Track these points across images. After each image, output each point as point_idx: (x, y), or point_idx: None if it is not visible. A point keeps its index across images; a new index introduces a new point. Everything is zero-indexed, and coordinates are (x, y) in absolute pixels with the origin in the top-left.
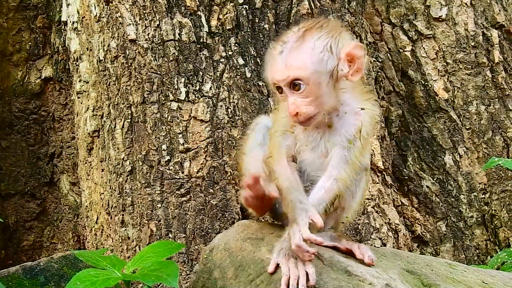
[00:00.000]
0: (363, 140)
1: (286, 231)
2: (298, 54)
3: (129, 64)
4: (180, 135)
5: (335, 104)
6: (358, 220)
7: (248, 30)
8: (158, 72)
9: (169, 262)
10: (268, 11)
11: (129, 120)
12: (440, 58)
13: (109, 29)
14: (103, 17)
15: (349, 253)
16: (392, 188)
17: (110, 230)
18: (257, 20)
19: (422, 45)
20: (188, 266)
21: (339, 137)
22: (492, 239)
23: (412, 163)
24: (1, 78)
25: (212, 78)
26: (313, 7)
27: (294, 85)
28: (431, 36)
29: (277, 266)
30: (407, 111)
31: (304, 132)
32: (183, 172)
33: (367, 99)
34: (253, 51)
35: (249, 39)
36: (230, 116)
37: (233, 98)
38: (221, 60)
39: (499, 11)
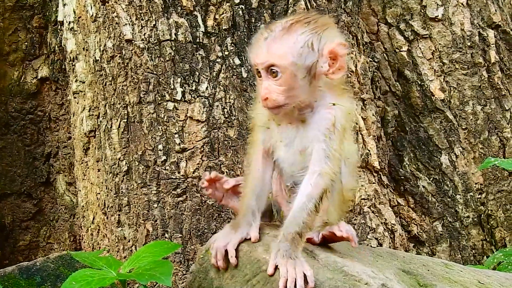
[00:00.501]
0: (337, 134)
1: (281, 231)
2: (280, 44)
3: (125, 64)
4: (176, 135)
5: (309, 99)
6: (354, 220)
7: (245, 30)
8: (154, 72)
9: (164, 261)
10: (265, 11)
11: (125, 120)
12: (436, 58)
13: (105, 29)
14: (99, 17)
15: (333, 237)
16: (388, 188)
17: (107, 230)
18: (253, 20)
19: (418, 45)
20: (184, 266)
21: (313, 132)
22: (488, 239)
23: (408, 163)
24: None
25: (209, 78)
26: (309, 7)
27: (271, 71)
28: (427, 36)
29: (276, 267)
30: (403, 111)
31: (278, 128)
32: (179, 172)
33: (340, 94)
34: None
35: (246, 39)
36: (227, 116)
37: (229, 98)
38: (217, 60)
39: (495, 11)
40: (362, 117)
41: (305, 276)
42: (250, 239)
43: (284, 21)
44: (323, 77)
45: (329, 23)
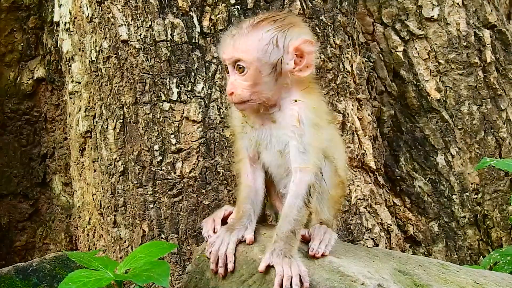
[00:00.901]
0: (307, 128)
1: (275, 232)
2: (245, 40)
3: (121, 65)
4: (172, 136)
5: (274, 96)
6: (350, 220)
7: None
8: (150, 73)
9: (161, 262)
10: (260, 12)
11: (121, 121)
12: (432, 58)
13: (101, 30)
14: (95, 18)
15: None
16: (384, 188)
17: (103, 230)
18: None
19: (414, 45)
20: (180, 267)
21: (283, 131)
22: (484, 239)
23: (404, 163)
24: None
25: (204, 78)
26: (304, 7)
27: (238, 66)
28: (423, 36)
29: (269, 266)
30: (399, 111)
31: (253, 130)
32: (175, 173)
33: (306, 90)
34: None
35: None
36: (222, 116)
37: (225, 98)
38: (213, 60)
39: (491, 11)
40: (358, 117)
41: (300, 275)
42: (245, 241)
43: (253, 19)
44: (290, 75)
45: (297, 21)
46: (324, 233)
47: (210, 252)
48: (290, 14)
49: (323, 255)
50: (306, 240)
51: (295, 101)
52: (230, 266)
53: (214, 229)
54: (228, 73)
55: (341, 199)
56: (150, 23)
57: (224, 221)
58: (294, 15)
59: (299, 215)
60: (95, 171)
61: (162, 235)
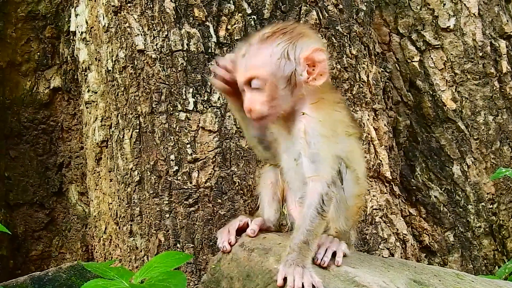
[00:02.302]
0: (315, 139)
1: (289, 243)
2: (257, 56)
3: (137, 75)
4: (188, 145)
5: (291, 108)
6: (366, 230)
7: None
8: (167, 82)
9: (177, 272)
10: (277, 22)
11: (137, 130)
12: (448, 68)
13: (117, 40)
14: (111, 28)
15: None
16: (400, 198)
17: (119, 240)
18: None
19: (430, 56)
20: (196, 276)
21: (294, 140)
22: (500, 249)
23: (420, 173)
24: (10, 88)
25: None
26: (321, 17)
27: (252, 84)
28: (439, 46)
29: (285, 278)
30: (415, 121)
31: (276, 140)
32: (191, 182)
33: (316, 102)
34: None
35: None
36: (238, 126)
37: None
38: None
39: (507, 21)
40: (374, 127)
41: (313, 286)
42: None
43: (262, 33)
44: (306, 85)
45: (305, 31)
46: (330, 243)
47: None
48: (298, 25)
49: (337, 266)
50: None
51: (303, 114)
52: (232, 238)
53: (229, 240)
54: (243, 92)
55: (360, 210)
56: (166, 33)
57: (238, 232)
58: (302, 25)
59: (312, 225)
60: (111, 180)
61: (178, 245)
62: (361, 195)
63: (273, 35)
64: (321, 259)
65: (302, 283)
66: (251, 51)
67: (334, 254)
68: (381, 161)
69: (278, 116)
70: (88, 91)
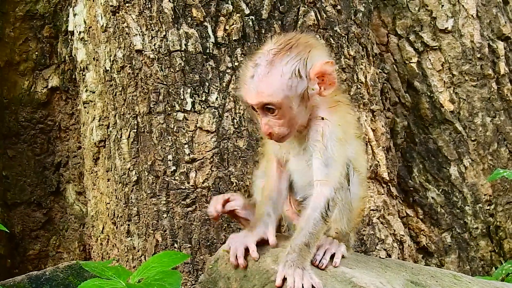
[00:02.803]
0: (331, 143)
1: (290, 243)
2: (268, 81)
3: (135, 75)
4: (186, 146)
5: (306, 119)
6: (363, 231)
7: (255, 41)
8: (164, 83)
9: (173, 271)
10: (275, 22)
11: (135, 130)
12: (446, 69)
13: (115, 39)
14: (109, 27)
15: None
16: (397, 199)
17: (116, 239)
18: (263, 31)
19: (428, 57)
20: (193, 276)
21: (310, 143)
22: (497, 251)
23: (417, 174)
24: (8, 87)
25: (218, 88)
26: (319, 18)
27: (267, 108)
28: (437, 47)
29: (284, 279)
30: (413, 122)
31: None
32: (188, 183)
33: (331, 106)
34: None
35: (256, 50)
36: (236, 126)
37: (239, 108)
38: (227, 70)
39: (505, 23)
40: (371, 128)
41: (313, 287)
42: (267, 241)
43: (267, 52)
44: (317, 96)
45: (311, 42)
46: (330, 244)
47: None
48: (301, 35)
49: (334, 267)
50: None
51: (322, 118)
52: (254, 254)
53: (215, 208)
54: (255, 111)
55: (362, 213)
56: (164, 33)
57: (225, 204)
58: (305, 36)
59: (316, 228)
60: (108, 180)
61: (175, 245)
62: (365, 197)
63: (279, 53)
64: (319, 261)
65: (302, 284)
66: (259, 73)
67: (332, 256)
68: (378, 162)
69: (297, 130)
70: (86, 90)
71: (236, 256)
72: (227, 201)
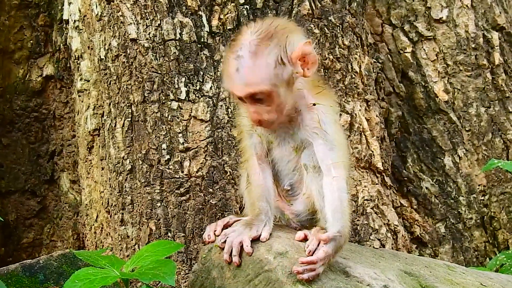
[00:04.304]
0: (329, 126)
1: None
2: (254, 73)
3: (130, 63)
4: (180, 135)
5: (294, 103)
6: (357, 221)
7: None
8: (159, 72)
9: (167, 260)
10: (269, 12)
11: (129, 119)
12: (441, 59)
13: (110, 28)
14: (104, 16)
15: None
16: (391, 189)
17: (110, 228)
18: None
19: (422, 47)
20: (187, 266)
21: (305, 132)
22: (491, 241)
23: (411, 164)
24: (3, 76)
25: (213, 78)
26: (313, 7)
27: (255, 98)
28: (432, 37)
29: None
30: (407, 112)
31: (266, 129)
32: (182, 172)
33: (319, 91)
34: None
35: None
36: (230, 116)
37: (233, 98)
38: (221, 60)
39: (500, 13)
40: (365, 118)
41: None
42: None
43: (248, 44)
44: (300, 78)
45: (287, 28)
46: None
47: (224, 242)
48: (278, 22)
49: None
50: (305, 240)
51: (314, 104)
52: (248, 249)
53: (215, 232)
54: (242, 101)
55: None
56: (159, 22)
57: (226, 228)
58: (280, 19)
59: (349, 208)
60: (103, 169)
61: (169, 234)
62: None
63: (261, 43)
64: (313, 252)
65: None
66: (244, 65)
67: None
68: (372, 152)
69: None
70: (81, 79)
71: (231, 253)
72: (228, 225)
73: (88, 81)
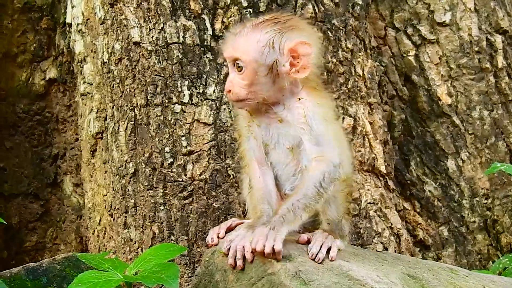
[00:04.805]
0: (316, 121)
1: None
2: (245, 40)
3: (133, 67)
4: (183, 138)
5: (272, 96)
6: (360, 224)
7: None
8: (162, 75)
9: (170, 264)
10: (276, 11)
11: (132, 123)
12: (444, 63)
13: (113, 32)
14: (107, 20)
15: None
16: (395, 193)
17: (113, 231)
18: None
19: (425, 50)
20: (190, 269)
21: (293, 129)
22: (494, 244)
23: (414, 167)
24: (6, 79)
25: (216, 81)
26: (317, 11)
27: (237, 65)
28: (435, 41)
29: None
30: (410, 115)
31: (261, 130)
32: (186, 175)
33: (311, 90)
34: None
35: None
36: (233, 119)
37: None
38: (224, 63)
39: (503, 16)
40: (369, 121)
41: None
42: None
43: (257, 19)
44: (286, 76)
45: (298, 24)
46: (325, 238)
47: (228, 248)
48: (294, 17)
49: (331, 260)
50: (308, 243)
51: (299, 99)
52: (248, 255)
53: (218, 234)
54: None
55: (348, 196)
56: (162, 25)
57: (229, 231)
58: (299, 18)
59: (306, 197)
60: (106, 172)
61: (172, 237)
62: (347, 180)
63: (265, 22)
64: (316, 254)
65: (263, 244)
66: (242, 32)
67: (328, 250)
68: (375, 155)
69: (257, 102)
70: (84, 82)
71: (235, 257)
72: (231, 228)
73: (91, 84)
